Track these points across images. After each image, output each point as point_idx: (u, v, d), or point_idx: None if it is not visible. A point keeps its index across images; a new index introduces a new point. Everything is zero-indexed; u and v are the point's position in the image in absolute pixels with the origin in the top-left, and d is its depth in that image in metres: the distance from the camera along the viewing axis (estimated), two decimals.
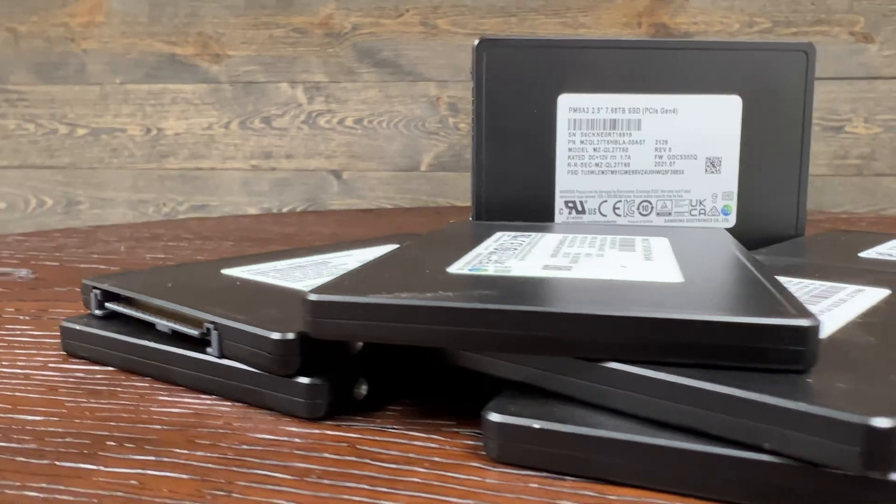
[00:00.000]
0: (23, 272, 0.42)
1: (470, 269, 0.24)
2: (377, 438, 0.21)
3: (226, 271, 0.30)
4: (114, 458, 0.19)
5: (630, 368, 0.19)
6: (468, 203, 0.44)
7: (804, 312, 0.18)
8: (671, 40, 0.40)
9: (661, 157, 0.40)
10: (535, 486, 0.18)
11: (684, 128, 0.40)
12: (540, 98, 0.39)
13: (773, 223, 0.41)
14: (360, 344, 0.23)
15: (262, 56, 1.01)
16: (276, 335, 0.21)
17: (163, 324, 0.25)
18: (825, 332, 0.21)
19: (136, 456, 0.19)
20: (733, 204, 0.41)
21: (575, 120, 0.39)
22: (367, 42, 0.98)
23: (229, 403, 0.23)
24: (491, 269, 0.24)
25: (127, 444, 0.20)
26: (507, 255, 0.26)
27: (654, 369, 0.18)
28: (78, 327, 0.27)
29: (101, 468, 0.19)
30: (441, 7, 0.96)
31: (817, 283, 0.28)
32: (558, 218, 0.40)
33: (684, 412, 0.18)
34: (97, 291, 0.28)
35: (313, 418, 0.22)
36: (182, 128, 1.04)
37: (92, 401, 0.23)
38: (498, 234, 0.31)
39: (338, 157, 1.01)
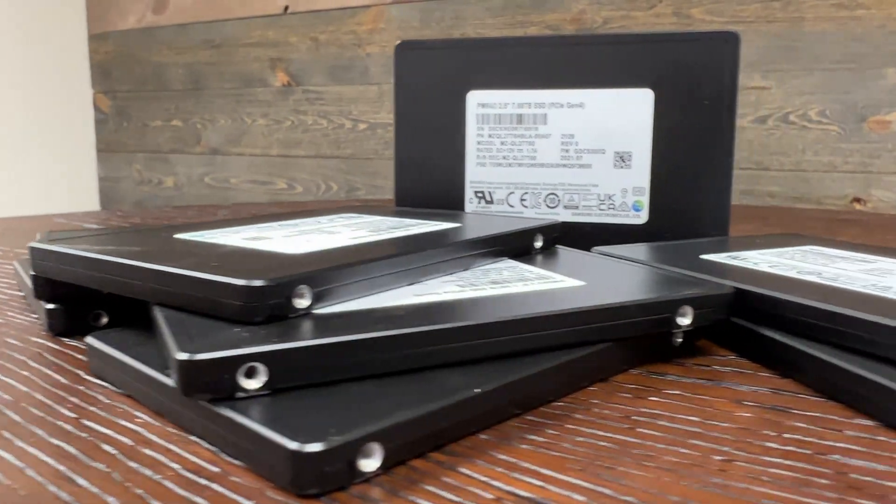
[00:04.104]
0: None
1: (190, 236, 0.30)
2: (72, 345, 0.28)
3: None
4: None
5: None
6: None
7: (255, 276, 0.22)
8: (580, 35, 0.40)
9: (567, 150, 0.41)
10: (83, 388, 0.24)
11: (591, 122, 0.40)
12: (450, 95, 0.42)
13: (691, 221, 0.39)
14: None
15: None
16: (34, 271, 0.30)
17: None
18: (367, 304, 0.24)
19: None
20: (645, 199, 0.40)
21: (483, 115, 0.42)
22: None
23: (35, 319, 0.32)
24: (206, 238, 0.30)
25: None
26: (261, 231, 0.32)
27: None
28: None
29: None
30: None
31: (535, 269, 0.29)
32: (468, 207, 0.43)
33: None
34: None
35: (54, 333, 0.30)
36: None
37: None
38: (336, 216, 0.36)
39: None
